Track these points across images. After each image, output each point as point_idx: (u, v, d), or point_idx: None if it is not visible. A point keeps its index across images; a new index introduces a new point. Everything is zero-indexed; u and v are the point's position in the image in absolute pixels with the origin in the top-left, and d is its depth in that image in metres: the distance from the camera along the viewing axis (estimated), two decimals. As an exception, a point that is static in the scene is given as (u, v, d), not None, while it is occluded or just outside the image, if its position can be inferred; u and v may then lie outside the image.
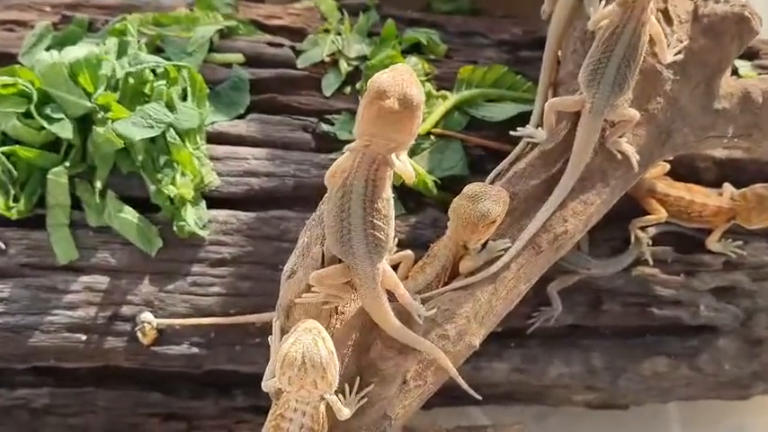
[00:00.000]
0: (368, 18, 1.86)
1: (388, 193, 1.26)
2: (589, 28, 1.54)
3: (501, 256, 1.48)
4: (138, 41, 1.75)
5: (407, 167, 1.29)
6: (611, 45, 1.47)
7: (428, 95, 1.73)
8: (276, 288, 1.43)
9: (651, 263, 1.75)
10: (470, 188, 1.47)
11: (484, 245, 1.49)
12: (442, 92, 1.76)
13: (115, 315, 1.63)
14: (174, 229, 1.63)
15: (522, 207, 1.53)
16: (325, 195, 1.34)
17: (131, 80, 1.66)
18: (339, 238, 1.27)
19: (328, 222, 1.28)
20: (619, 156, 1.53)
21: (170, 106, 1.65)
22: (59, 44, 1.74)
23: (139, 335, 1.62)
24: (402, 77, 1.20)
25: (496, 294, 1.47)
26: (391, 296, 1.35)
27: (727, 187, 1.76)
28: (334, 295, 1.34)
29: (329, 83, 1.76)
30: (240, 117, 1.75)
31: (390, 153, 1.23)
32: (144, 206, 1.66)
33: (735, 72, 1.78)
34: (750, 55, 1.86)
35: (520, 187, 1.53)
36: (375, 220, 1.26)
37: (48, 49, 1.72)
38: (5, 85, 1.65)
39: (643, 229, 1.74)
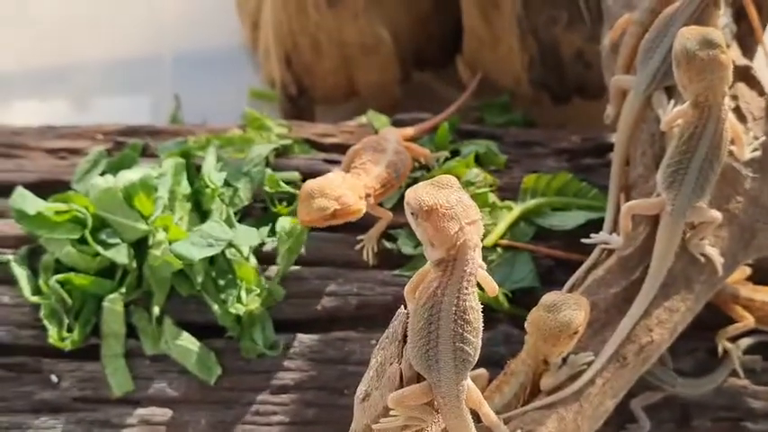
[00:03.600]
0: None
1: (479, 304, 1.19)
2: (662, 129, 1.51)
3: (584, 370, 1.42)
4: (194, 163, 1.73)
5: (489, 277, 1.22)
6: (691, 146, 1.43)
7: (492, 207, 1.69)
8: (342, 414, 1.37)
9: (741, 374, 1.65)
10: (548, 298, 1.41)
11: (564, 359, 1.43)
12: (507, 202, 1.71)
13: (174, 449, 1.56)
14: (242, 350, 1.58)
15: (602, 317, 1.47)
16: (398, 311, 1.27)
17: (188, 201, 1.63)
18: (425, 352, 1.19)
19: (413, 337, 1.20)
20: (702, 259, 1.48)
21: (229, 224, 1.62)
22: (114, 169, 1.73)
23: (199, 470, 1.55)
24: (438, 182, 1.15)
25: (582, 412, 1.41)
26: (474, 416, 1.26)
27: (812, 290, 1.68)
28: (416, 417, 1.25)
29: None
30: (298, 236, 1.71)
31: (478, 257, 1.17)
32: (199, 331, 1.60)
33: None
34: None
35: (599, 296, 1.48)
36: (465, 333, 1.19)
37: (102, 173, 1.71)
38: (59, 212, 1.62)
39: (733, 340, 1.65)
